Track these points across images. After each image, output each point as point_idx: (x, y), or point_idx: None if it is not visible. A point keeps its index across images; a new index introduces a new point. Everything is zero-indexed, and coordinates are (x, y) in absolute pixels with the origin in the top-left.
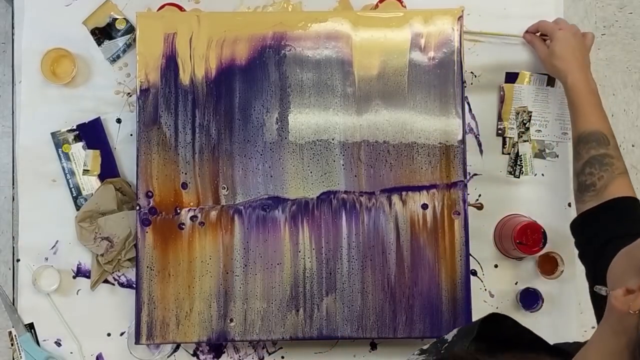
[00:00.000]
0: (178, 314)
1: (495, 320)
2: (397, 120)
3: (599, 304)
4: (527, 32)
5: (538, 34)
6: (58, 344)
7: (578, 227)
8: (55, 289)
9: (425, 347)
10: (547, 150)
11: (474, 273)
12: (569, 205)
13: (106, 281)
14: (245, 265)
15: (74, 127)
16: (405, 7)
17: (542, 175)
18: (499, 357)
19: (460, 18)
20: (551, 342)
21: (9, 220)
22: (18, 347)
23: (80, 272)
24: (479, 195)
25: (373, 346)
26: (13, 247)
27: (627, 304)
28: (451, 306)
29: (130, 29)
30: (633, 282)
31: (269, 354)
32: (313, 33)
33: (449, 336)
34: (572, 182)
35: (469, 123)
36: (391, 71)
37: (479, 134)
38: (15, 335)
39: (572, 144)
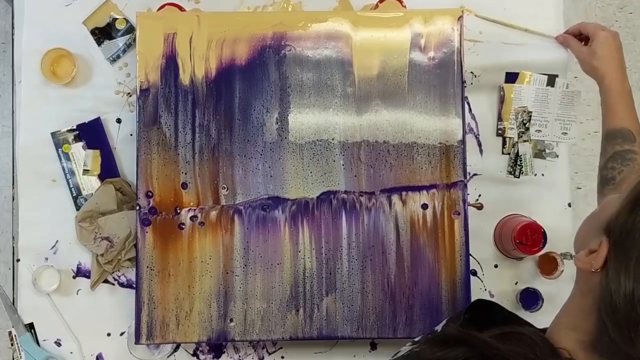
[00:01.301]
0: (178, 314)
1: (483, 307)
2: (397, 120)
3: None
4: (566, 33)
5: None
6: (58, 344)
7: None
8: (55, 289)
9: (416, 339)
10: (547, 150)
11: (474, 273)
12: (569, 205)
13: (106, 281)
14: (245, 265)
15: (74, 127)
16: (405, 7)
17: (542, 175)
18: (485, 332)
19: (460, 18)
20: None
21: (9, 220)
22: (18, 347)
23: (80, 272)
24: (479, 195)
25: (373, 346)
26: (13, 247)
27: (590, 262)
28: (451, 306)
29: (130, 29)
30: (594, 242)
31: (269, 354)
32: (313, 33)
33: (439, 327)
34: (597, 178)
35: (469, 123)
36: (391, 71)
37: (479, 134)
38: (15, 335)
39: (600, 142)
